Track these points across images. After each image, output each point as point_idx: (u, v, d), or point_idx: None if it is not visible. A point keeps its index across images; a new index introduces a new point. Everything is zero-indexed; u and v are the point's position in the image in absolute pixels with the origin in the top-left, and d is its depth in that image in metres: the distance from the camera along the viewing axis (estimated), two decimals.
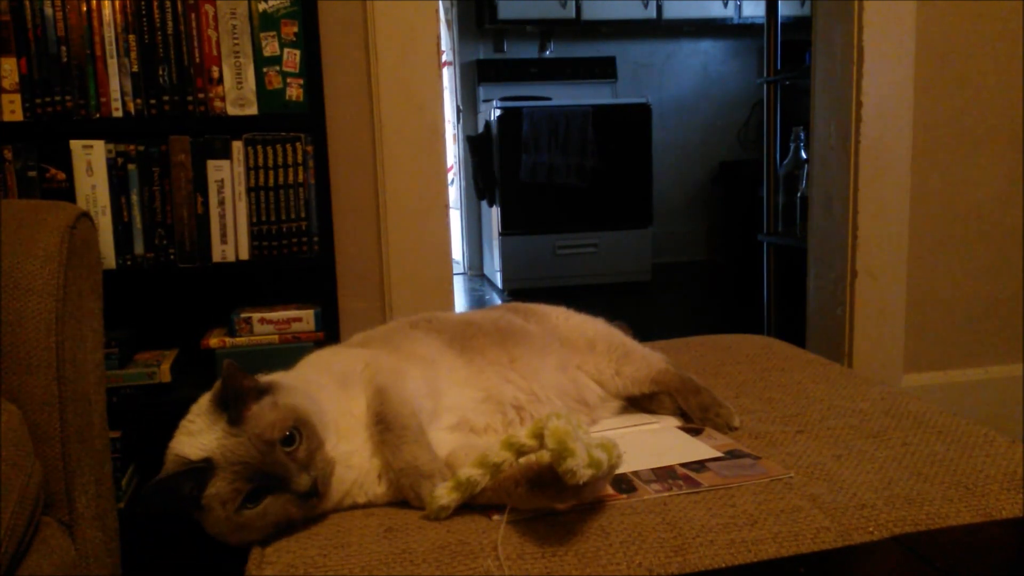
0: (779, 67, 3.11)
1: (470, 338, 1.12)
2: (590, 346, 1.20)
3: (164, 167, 1.74)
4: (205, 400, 0.90)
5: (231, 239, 1.79)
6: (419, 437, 0.92)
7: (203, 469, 0.83)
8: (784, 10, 3.24)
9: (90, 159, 1.71)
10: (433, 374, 1.04)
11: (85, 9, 1.69)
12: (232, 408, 0.86)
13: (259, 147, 1.77)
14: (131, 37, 1.72)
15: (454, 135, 5.25)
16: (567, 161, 4.56)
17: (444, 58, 5.07)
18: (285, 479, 0.84)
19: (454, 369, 1.07)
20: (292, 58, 1.79)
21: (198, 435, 0.86)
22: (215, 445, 0.84)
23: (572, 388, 1.14)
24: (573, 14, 5.01)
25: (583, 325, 1.25)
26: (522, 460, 0.85)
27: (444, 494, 0.86)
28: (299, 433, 0.86)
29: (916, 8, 2.17)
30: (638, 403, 1.20)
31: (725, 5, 5.19)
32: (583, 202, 4.64)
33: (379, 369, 0.99)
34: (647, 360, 1.20)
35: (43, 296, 1.13)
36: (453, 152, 5.24)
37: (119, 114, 1.73)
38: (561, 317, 1.26)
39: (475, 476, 0.85)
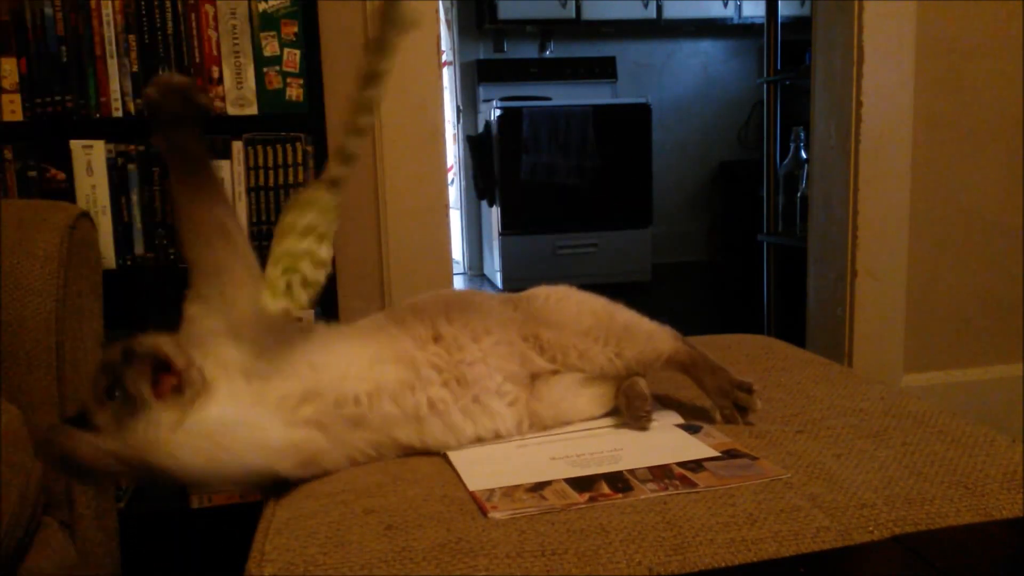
0: (779, 67, 3.12)
1: (416, 313, 1.07)
2: (581, 331, 1.14)
3: (164, 167, 1.74)
4: None
5: None
6: None
7: None
8: (784, 10, 3.24)
9: (90, 159, 1.71)
10: (311, 348, 1.01)
11: (85, 9, 1.69)
12: None
13: (259, 147, 1.77)
14: (131, 37, 1.72)
15: (454, 135, 5.25)
16: (567, 161, 4.56)
17: (444, 58, 5.07)
18: None
19: (364, 346, 1.02)
20: (292, 58, 1.79)
21: None
22: None
23: (516, 363, 1.08)
24: (573, 14, 5.01)
25: (575, 306, 1.19)
26: None
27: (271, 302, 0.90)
28: None
29: (916, 8, 2.17)
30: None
31: (725, 5, 5.18)
32: (583, 202, 4.63)
33: None
34: (652, 341, 1.14)
35: (43, 296, 1.14)
36: (453, 152, 5.23)
37: (119, 114, 1.73)
38: (552, 299, 1.20)
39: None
